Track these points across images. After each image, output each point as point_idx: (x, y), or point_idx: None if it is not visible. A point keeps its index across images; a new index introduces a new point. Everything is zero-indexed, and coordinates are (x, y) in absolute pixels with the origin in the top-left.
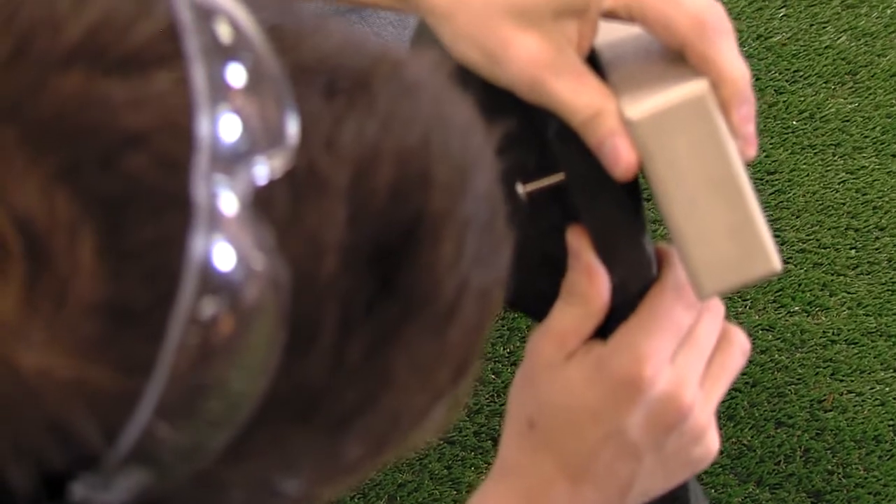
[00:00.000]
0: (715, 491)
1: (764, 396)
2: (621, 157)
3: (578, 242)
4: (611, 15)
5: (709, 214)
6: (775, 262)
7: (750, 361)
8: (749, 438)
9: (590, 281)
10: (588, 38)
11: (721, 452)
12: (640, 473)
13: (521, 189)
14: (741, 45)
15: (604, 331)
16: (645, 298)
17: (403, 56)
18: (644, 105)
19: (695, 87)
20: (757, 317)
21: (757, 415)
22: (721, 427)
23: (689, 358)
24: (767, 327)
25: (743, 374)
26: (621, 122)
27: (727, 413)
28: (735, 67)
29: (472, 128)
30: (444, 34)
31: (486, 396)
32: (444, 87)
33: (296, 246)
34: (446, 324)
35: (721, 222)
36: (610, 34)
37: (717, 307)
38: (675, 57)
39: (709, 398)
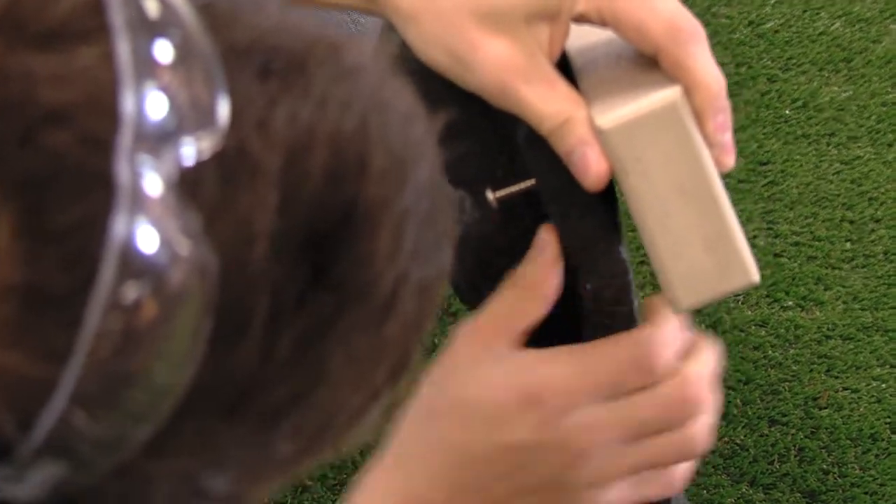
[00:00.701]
0: (707, 492)
1: (757, 394)
2: (591, 167)
3: (548, 239)
4: (583, 19)
5: (683, 226)
6: (753, 274)
7: (742, 358)
8: (742, 437)
9: (544, 274)
10: (559, 43)
11: (713, 452)
12: (519, 496)
13: (490, 195)
14: (733, 31)
15: (573, 339)
16: (609, 338)
17: (343, 39)
18: (615, 113)
19: (667, 95)
20: (750, 312)
21: (750, 413)
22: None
23: (613, 413)
24: (760, 323)
25: (735, 371)
26: (592, 131)
27: (719, 412)
28: (710, 74)
29: (413, 116)
30: (410, 36)
31: None
32: (385, 73)
33: (224, 231)
34: (383, 318)
35: (696, 234)
36: (582, 38)
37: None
38: (649, 63)
39: (616, 468)
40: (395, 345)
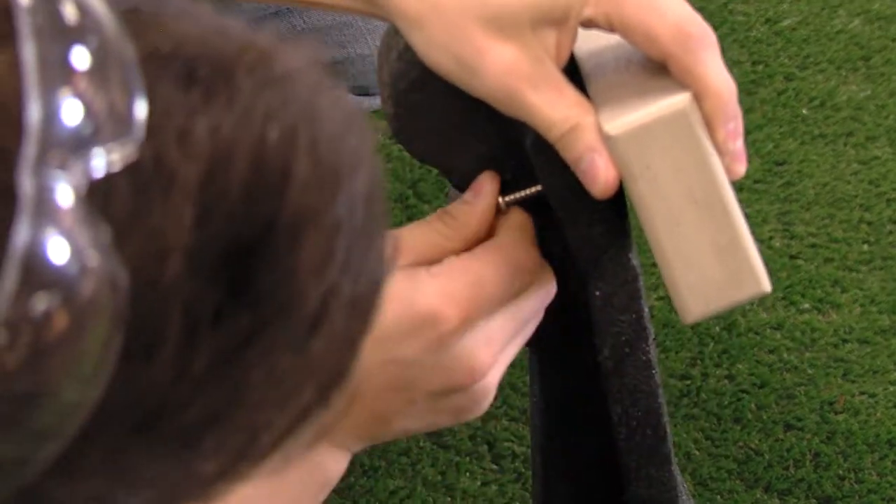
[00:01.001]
0: (721, 497)
1: (772, 398)
2: (599, 175)
3: (490, 185)
4: (590, 24)
5: (694, 234)
6: (764, 284)
7: (758, 362)
8: (757, 442)
9: (474, 219)
10: (566, 48)
11: (727, 457)
12: (404, 413)
13: (500, 200)
14: (749, 29)
15: (584, 346)
16: (484, 245)
17: (276, 45)
18: (624, 119)
19: (677, 101)
20: (765, 315)
21: (765, 417)
22: (728, 431)
23: (505, 324)
24: (776, 326)
25: (750, 374)
26: (600, 137)
27: (733, 416)
28: (720, 80)
29: (349, 126)
30: (415, 41)
31: None
32: (320, 80)
33: (136, 244)
34: (309, 335)
35: (707, 242)
36: (591, 43)
37: (550, 282)
38: (658, 68)
39: (504, 363)
40: (324, 362)
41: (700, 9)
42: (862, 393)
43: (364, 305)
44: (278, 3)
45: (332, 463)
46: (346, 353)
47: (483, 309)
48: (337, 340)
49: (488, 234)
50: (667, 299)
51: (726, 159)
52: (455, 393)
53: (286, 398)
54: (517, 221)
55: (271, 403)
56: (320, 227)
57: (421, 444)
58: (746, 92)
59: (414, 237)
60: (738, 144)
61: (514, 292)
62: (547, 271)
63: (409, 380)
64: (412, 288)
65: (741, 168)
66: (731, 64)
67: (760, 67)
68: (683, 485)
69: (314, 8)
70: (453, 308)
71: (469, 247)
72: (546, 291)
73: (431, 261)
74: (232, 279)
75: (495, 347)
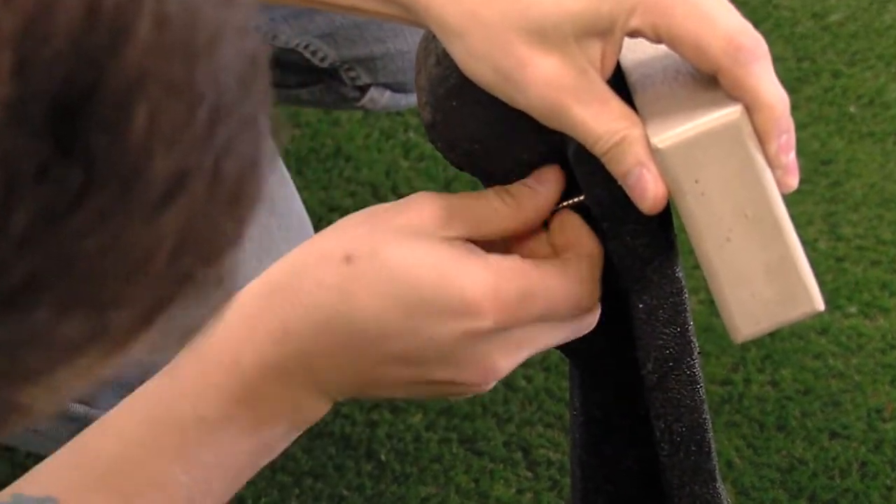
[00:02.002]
0: None
1: (817, 405)
2: (648, 190)
3: (555, 175)
4: (637, 35)
5: (744, 252)
6: (818, 303)
7: (802, 367)
8: (801, 451)
9: (533, 203)
10: (611, 59)
11: (770, 466)
12: (400, 386)
13: None
14: (795, 24)
15: (619, 356)
16: (554, 262)
17: None
18: (673, 132)
19: (729, 113)
20: (810, 319)
21: (809, 425)
22: (771, 438)
23: (533, 340)
24: (821, 331)
25: (795, 380)
26: (648, 151)
27: (777, 423)
28: (773, 93)
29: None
30: (455, 52)
31: (517, 404)
32: None
33: None
34: (160, 207)
35: (758, 260)
36: (637, 52)
37: (593, 318)
38: (708, 79)
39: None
40: (182, 239)
41: (744, 3)
42: None
43: (234, 186)
44: (316, 8)
45: (313, 410)
46: (210, 233)
47: (522, 321)
48: (197, 217)
49: (539, 227)
50: (707, 303)
51: (778, 172)
52: (458, 385)
53: (134, 271)
54: (592, 252)
55: (115, 275)
56: (172, 95)
57: (454, 450)
58: (792, 89)
59: (466, 207)
60: (790, 157)
61: (557, 319)
62: (596, 311)
63: (423, 358)
64: (465, 272)
65: (794, 181)
66: (776, 60)
67: (806, 64)
68: (728, 501)
69: (351, 14)
70: (497, 309)
71: (519, 232)
72: (586, 326)
73: (480, 234)
74: (59, 136)
75: (515, 359)
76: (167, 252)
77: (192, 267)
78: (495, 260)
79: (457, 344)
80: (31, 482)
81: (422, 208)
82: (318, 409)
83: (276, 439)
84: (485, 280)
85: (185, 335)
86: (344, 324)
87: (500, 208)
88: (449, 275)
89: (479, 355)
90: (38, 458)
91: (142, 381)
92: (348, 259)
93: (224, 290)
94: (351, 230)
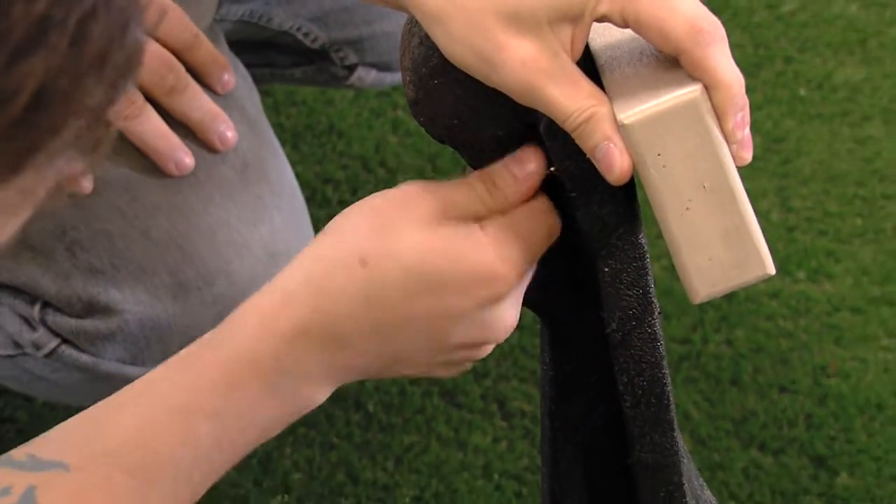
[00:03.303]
0: (718, 455)
1: (768, 363)
2: (615, 162)
3: (537, 161)
4: (605, 20)
5: (703, 219)
6: (769, 267)
7: (755, 328)
8: (752, 404)
9: (516, 189)
10: (581, 43)
11: (724, 417)
12: (420, 361)
13: None
14: (752, 14)
15: (585, 316)
16: (529, 206)
17: None
18: (637, 109)
19: (689, 92)
20: (762, 284)
21: (761, 381)
22: (726, 392)
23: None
24: (772, 295)
25: (748, 340)
26: (615, 127)
27: (731, 379)
28: (730, 73)
29: None
30: (436, 35)
31: (493, 360)
32: None
33: None
34: (17, 53)
35: (715, 227)
36: (605, 36)
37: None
38: (670, 61)
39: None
40: (41, 88)
41: None
42: (853, 358)
43: (100, 48)
44: None
45: (318, 394)
46: (75, 90)
47: (527, 271)
48: (58, 71)
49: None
50: (669, 269)
51: (734, 147)
52: (481, 347)
53: None
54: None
55: None
56: None
57: (435, 402)
58: (748, 74)
59: (454, 194)
60: (745, 133)
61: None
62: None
63: (449, 332)
64: (472, 249)
65: (748, 155)
66: (734, 47)
67: (761, 50)
68: (685, 449)
69: None
70: (511, 270)
71: (509, 206)
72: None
73: (468, 219)
74: None
75: (519, 307)
76: (26, 99)
77: (56, 121)
78: (490, 229)
79: (482, 310)
80: (46, 445)
81: (419, 202)
82: (323, 395)
83: (279, 425)
84: (491, 250)
85: (61, 189)
86: (371, 323)
87: (485, 198)
88: (460, 256)
89: (501, 313)
90: (54, 407)
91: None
92: (364, 263)
93: (102, 151)
94: (355, 233)
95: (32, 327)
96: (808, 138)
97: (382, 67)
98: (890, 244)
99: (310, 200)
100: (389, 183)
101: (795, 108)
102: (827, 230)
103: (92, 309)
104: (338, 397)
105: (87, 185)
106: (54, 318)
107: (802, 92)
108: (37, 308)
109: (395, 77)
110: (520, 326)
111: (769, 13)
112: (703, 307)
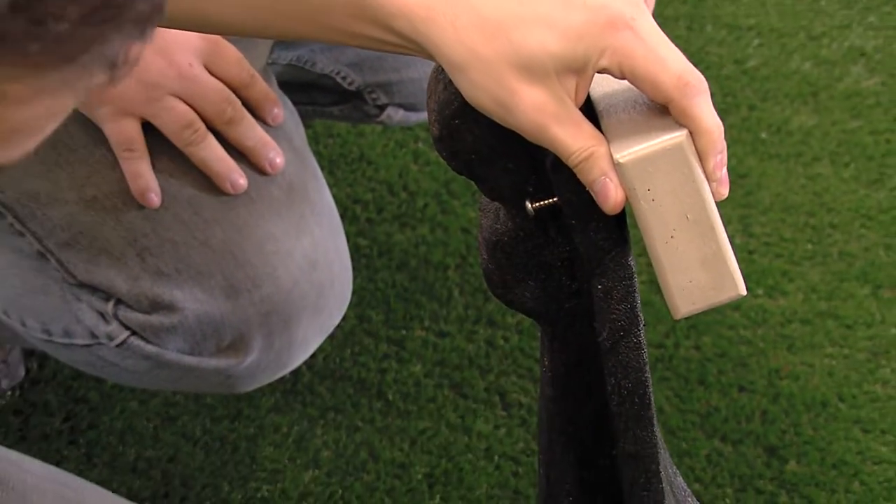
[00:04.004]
0: (686, 444)
1: (729, 366)
2: (610, 195)
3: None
4: (605, 72)
5: (684, 246)
6: (741, 288)
7: (719, 336)
8: (716, 401)
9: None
10: (584, 91)
11: (692, 412)
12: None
13: (529, 206)
14: (721, 68)
15: (580, 325)
16: None
17: None
18: (631, 150)
19: (676, 137)
20: None
21: (723, 381)
22: (693, 391)
23: None
24: (734, 307)
25: (713, 346)
26: (611, 164)
27: (698, 379)
28: (712, 121)
29: None
30: (459, 82)
31: (496, 358)
32: None
33: None
34: None
35: (695, 253)
36: (604, 86)
37: None
38: (660, 109)
39: None
40: None
41: (682, 50)
42: (802, 363)
43: None
44: (344, 45)
45: None
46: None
47: None
48: None
49: None
50: (647, 283)
51: (714, 184)
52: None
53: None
54: None
55: None
56: None
57: (445, 393)
58: None
59: None
60: (723, 172)
61: None
62: None
63: None
64: None
65: (725, 191)
66: None
67: (728, 99)
68: (662, 442)
69: (376, 49)
70: None
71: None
72: None
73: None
74: None
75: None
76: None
77: (108, 30)
78: None
79: None
80: None
81: None
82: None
83: None
84: None
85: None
86: None
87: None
88: None
89: None
90: (122, 389)
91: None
92: None
93: (121, 76)
94: None
95: (107, 321)
96: (767, 175)
97: (408, 108)
98: (835, 266)
99: (343, 217)
100: (410, 204)
101: (757, 148)
102: (782, 253)
103: (157, 306)
104: (362, 387)
105: (155, 200)
106: (125, 314)
107: (763, 135)
108: (111, 304)
109: (419, 116)
110: (519, 330)
111: (736, 67)
112: (672, 320)
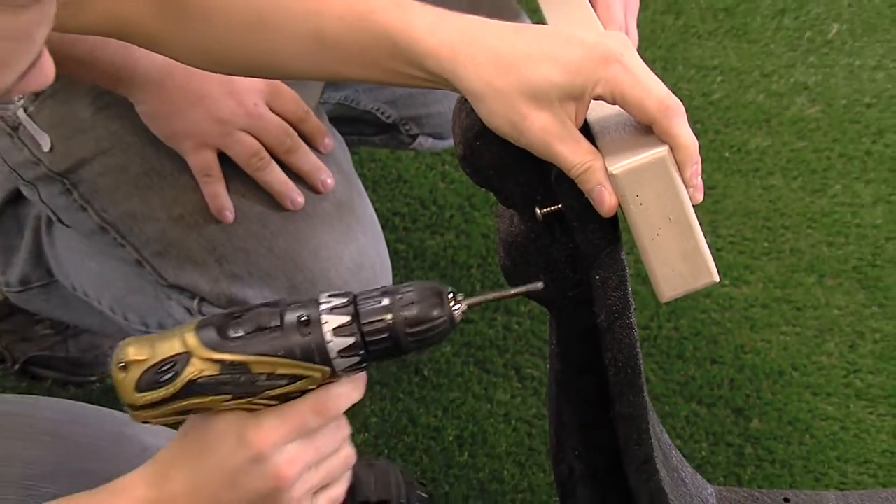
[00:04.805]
0: (668, 407)
1: (703, 343)
2: (605, 201)
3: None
4: (599, 98)
5: (668, 242)
6: (715, 276)
7: (694, 319)
8: (692, 371)
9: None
10: (582, 115)
11: (673, 381)
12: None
13: (538, 212)
14: (691, 100)
15: (582, 309)
16: (294, 402)
17: None
18: (623, 163)
19: (659, 151)
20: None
21: (698, 355)
22: (674, 363)
23: (304, 447)
24: (706, 295)
25: (690, 327)
26: (606, 175)
27: (677, 354)
28: (689, 138)
29: None
30: (479, 109)
31: (512, 339)
32: None
33: None
34: None
35: (677, 248)
36: (598, 111)
37: (342, 423)
38: (645, 129)
39: (307, 483)
40: None
41: None
42: (762, 340)
43: None
44: (384, 83)
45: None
46: None
47: (285, 437)
48: None
49: None
50: (634, 275)
51: (691, 190)
52: (268, 500)
53: None
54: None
55: None
56: None
57: (471, 369)
58: None
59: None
60: (699, 180)
61: (309, 428)
62: (343, 427)
63: (239, 484)
64: (245, 443)
65: (700, 196)
66: None
67: (698, 125)
68: (650, 405)
69: (410, 85)
70: (265, 442)
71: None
72: (336, 426)
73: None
74: None
75: (295, 463)
76: None
77: None
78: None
79: (254, 465)
80: None
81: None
82: None
83: None
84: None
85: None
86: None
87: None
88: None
89: (271, 469)
90: None
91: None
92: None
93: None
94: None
95: (192, 315)
96: (731, 186)
97: (436, 136)
98: (787, 260)
99: (383, 227)
100: (438, 215)
101: (721, 165)
102: (744, 251)
103: (233, 303)
104: (403, 365)
105: (230, 216)
106: (207, 309)
107: (726, 154)
108: (195, 302)
109: (445, 143)
110: (531, 316)
111: (703, 100)
112: (658, 303)
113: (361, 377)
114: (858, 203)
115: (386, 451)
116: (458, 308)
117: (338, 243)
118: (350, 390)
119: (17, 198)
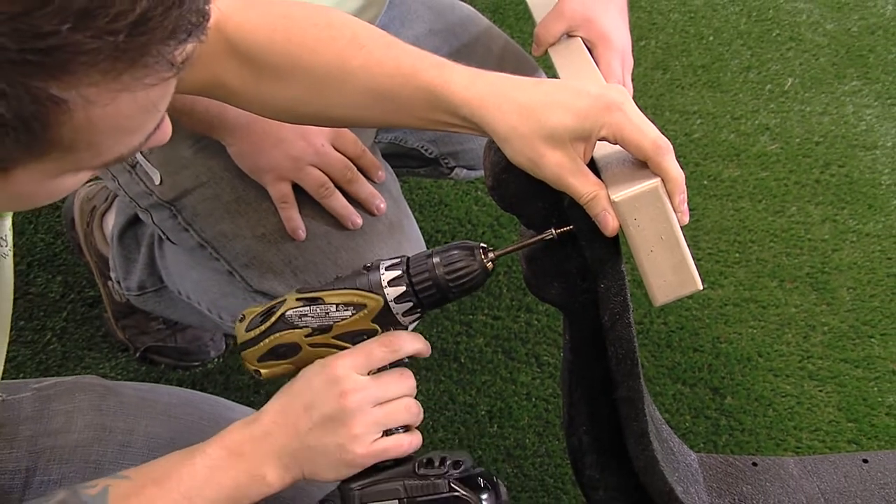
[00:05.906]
0: (658, 388)
1: (687, 335)
2: (609, 223)
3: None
4: (603, 139)
5: (660, 257)
6: (699, 285)
7: (679, 316)
8: (678, 358)
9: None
10: (590, 153)
11: (661, 366)
12: (311, 433)
13: (553, 232)
14: (675, 140)
15: (589, 311)
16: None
17: None
18: (622, 192)
19: (653, 183)
20: None
21: (683, 345)
22: (663, 352)
23: (371, 381)
24: (689, 297)
25: (676, 322)
26: (609, 202)
27: (666, 344)
28: (677, 172)
29: None
30: (505, 149)
31: (532, 333)
32: None
33: None
34: None
35: (667, 262)
36: (602, 150)
37: (407, 374)
38: (641, 164)
39: (372, 420)
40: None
41: None
42: (735, 333)
43: None
44: (424, 129)
45: (273, 476)
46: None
47: (358, 369)
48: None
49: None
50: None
51: (679, 215)
52: (335, 421)
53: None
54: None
55: None
56: None
57: (500, 357)
58: None
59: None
60: (685, 206)
61: (378, 360)
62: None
63: (314, 405)
64: (326, 371)
65: (687, 219)
66: None
67: (681, 159)
68: (646, 389)
69: (445, 130)
70: (341, 372)
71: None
72: (403, 382)
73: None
74: None
75: (363, 393)
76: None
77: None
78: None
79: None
80: (125, 472)
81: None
82: (276, 478)
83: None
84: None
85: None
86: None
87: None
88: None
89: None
90: None
91: None
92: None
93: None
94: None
95: None
96: (708, 208)
97: (470, 168)
98: (754, 268)
99: (427, 242)
100: (472, 233)
101: (701, 191)
102: (720, 260)
103: None
104: (444, 352)
105: (302, 235)
106: None
107: (705, 182)
108: None
109: (478, 173)
110: (548, 314)
111: (685, 138)
112: (649, 303)
113: (424, 340)
114: (810, 221)
115: (430, 423)
116: (488, 260)
117: (386, 254)
118: (413, 337)
119: (135, 221)
